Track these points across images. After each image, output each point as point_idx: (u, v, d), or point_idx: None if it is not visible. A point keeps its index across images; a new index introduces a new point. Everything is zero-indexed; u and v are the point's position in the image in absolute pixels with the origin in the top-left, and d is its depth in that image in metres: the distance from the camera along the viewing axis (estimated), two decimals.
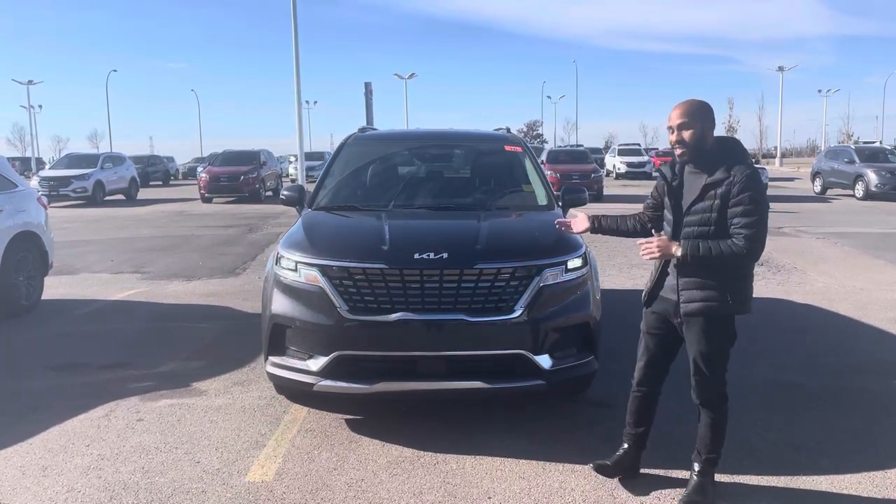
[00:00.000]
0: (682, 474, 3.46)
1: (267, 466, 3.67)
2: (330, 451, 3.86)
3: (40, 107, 66.48)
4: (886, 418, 4.27)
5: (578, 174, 21.22)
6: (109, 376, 5.17)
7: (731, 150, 3.10)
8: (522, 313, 3.84)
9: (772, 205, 18.04)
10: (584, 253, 4.25)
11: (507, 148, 5.85)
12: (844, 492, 3.38)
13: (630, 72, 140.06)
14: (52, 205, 11.24)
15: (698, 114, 3.07)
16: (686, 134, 3.05)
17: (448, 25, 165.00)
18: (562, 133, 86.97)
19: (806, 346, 5.78)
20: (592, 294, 4.20)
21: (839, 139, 61.58)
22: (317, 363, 3.89)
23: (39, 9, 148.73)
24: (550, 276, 3.97)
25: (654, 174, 3.88)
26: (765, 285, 8.36)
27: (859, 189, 21.42)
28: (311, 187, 5.68)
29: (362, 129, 6.38)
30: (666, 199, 3.27)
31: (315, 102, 74.68)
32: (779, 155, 54.78)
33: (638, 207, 3.61)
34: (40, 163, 50.66)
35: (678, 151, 3.12)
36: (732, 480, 3.46)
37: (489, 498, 3.34)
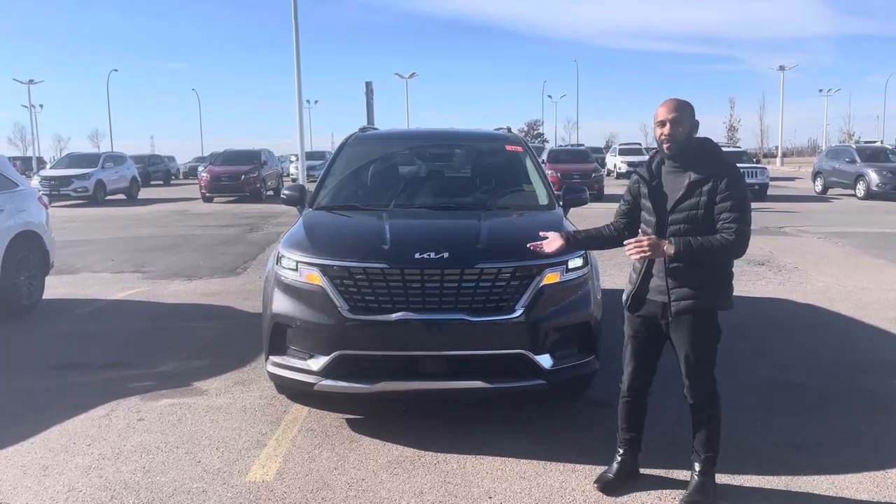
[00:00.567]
0: (682, 474, 3.46)
1: (268, 466, 3.67)
2: (331, 450, 3.86)
3: (41, 106, 66.64)
4: (887, 418, 4.27)
5: (579, 173, 21.23)
6: (110, 376, 5.17)
7: (710, 150, 3.21)
8: (523, 313, 3.84)
9: (773, 204, 17.99)
10: (585, 253, 4.25)
11: (508, 147, 5.85)
12: (845, 492, 3.38)
13: (631, 71, 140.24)
14: (52, 204, 11.25)
15: (688, 111, 3.14)
16: (678, 129, 3.10)
17: (449, 25, 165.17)
18: (562, 132, 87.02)
19: (807, 346, 5.77)
20: (593, 294, 4.20)
21: (840, 139, 61.63)
22: (317, 363, 3.89)
23: (40, 8, 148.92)
24: (551, 276, 3.97)
25: (632, 176, 3.86)
26: (765, 285, 8.36)
27: (860, 189, 21.40)
28: (311, 187, 5.68)
29: (363, 129, 6.38)
30: (645, 201, 3.27)
31: (316, 102, 74.86)
32: (780, 154, 54.72)
33: None
34: (41, 162, 50.69)
35: (667, 145, 3.14)
36: (733, 481, 3.46)
37: (490, 497, 3.34)
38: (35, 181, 22.18)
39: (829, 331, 6.35)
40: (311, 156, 35.55)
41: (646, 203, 3.26)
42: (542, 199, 5.24)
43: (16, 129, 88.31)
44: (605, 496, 3.34)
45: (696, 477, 3.27)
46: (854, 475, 3.53)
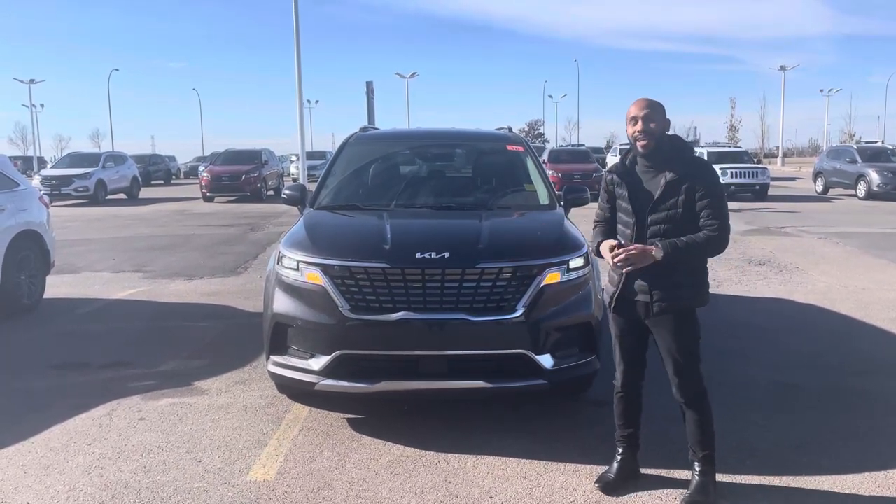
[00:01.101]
0: (682, 474, 3.46)
1: (268, 465, 3.67)
2: (332, 450, 3.86)
3: (42, 106, 66.60)
4: (888, 418, 4.26)
5: (580, 173, 21.24)
6: (111, 375, 5.18)
7: (681, 148, 3.25)
8: (524, 313, 3.84)
9: (773, 204, 17.97)
10: (586, 252, 4.24)
11: (509, 147, 5.85)
12: (846, 492, 3.38)
13: (632, 71, 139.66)
14: (53, 204, 11.25)
15: (659, 109, 3.18)
16: (651, 125, 3.13)
17: (450, 25, 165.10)
18: (563, 132, 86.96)
19: (807, 346, 5.77)
20: (594, 294, 4.20)
21: (841, 139, 61.51)
22: (318, 362, 3.89)
23: (41, 8, 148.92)
24: (552, 276, 3.96)
25: (606, 177, 3.82)
26: (766, 285, 8.36)
27: (861, 189, 21.39)
28: (312, 186, 5.68)
29: (364, 129, 6.38)
30: (622, 202, 3.27)
31: (317, 101, 74.89)
32: (780, 154, 54.68)
33: None
34: (42, 162, 50.65)
35: (642, 142, 3.15)
36: (734, 480, 3.46)
37: (490, 498, 3.34)
38: (36, 181, 22.17)
39: (830, 331, 6.34)
40: (311, 155, 35.54)
41: (623, 204, 3.27)
42: (543, 198, 5.24)
43: (17, 129, 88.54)
44: (605, 496, 3.34)
45: (696, 477, 3.27)
46: (855, 475, 3.53)
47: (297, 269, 4.04)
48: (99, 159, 24.45)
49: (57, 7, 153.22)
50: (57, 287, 8.41)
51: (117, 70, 72.01)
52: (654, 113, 3.14)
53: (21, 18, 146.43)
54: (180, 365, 5.42)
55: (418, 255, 3.88)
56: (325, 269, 3.94)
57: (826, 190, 23.67)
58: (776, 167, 47.03)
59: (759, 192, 21.09)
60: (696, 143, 43.09)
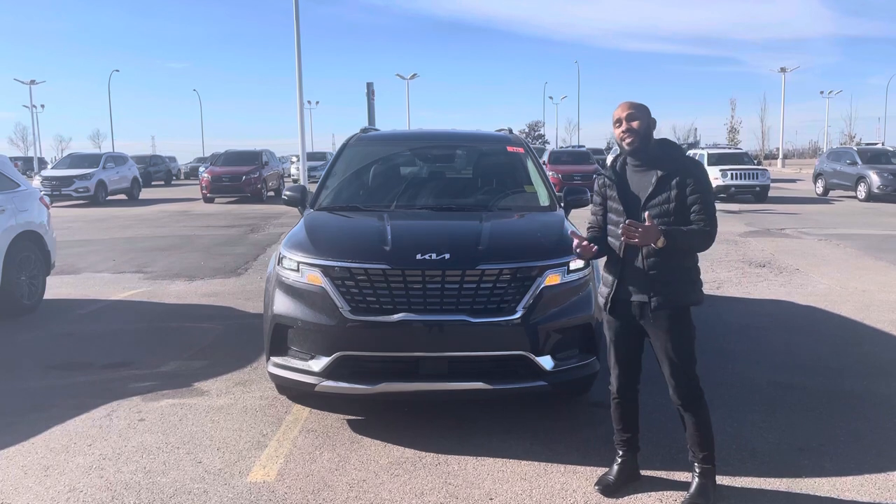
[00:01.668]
0: (682, 476, 3.46)
1: (269, 467, 3.67)
2: (332, 451, 3.86)
3: (42, 106, 66.66)
4: (889, 420, 4.26)
5: (580, 175, 21.30)
6: (111, 376, 5.18)
7: (671, 147, 3.31)
8: (524, 314, 3.84)
9: (774, 206, 17.92)
10: None
11: (509, 149, 5.85)
12: (846, 494, 3.38)
13: (632, 72, 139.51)
14: (54, 204, 11.27)
15: (642, 109, 3.25)
16: (634, 124, 3.19)
17: (450, 26, 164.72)
18: (563, 134, 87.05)
19: (808, 348, 5.77)
20: (594, 295, 4.19)
21: (841, 140, 61.53)
22: (319, 363, 3.89)
23: (42, 8, 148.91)
24: (552, 277, 3.97)
25: (598, 179, 3.85)
26: (767, 287, 8.36)
27: (861, 190, 21.38)
28: (312, 187, 5.68)
29: (364, 130, 6.38)
30: (613, 203, 3.31)
31: (317, 103, 74.99)
32: (781, 156, 54.65)
33: None
34: (42, 162, 50.71)
35: (627, 140, 3.22)
36: (734, 482, 3.46)
37: (491, 499, 3.34)
38: (36, 181, 22.21)
39: (831, 332, 6.34)
40: (312, 156, 35.53)
41: (614, 205, 3.31)
42: (544, 200, 5.24)
43: (17, 130, 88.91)
44: (605, 498, 3.34)
45: (696, 479, 3.27)
46: (856, 477, 3.53)
47: (298, 271, 4.04)
48: (99, 160, 24.44)
49: (58, 7, 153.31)
50: (57, 288, 8.41)
51: (118, 71, 72.38)
52: (636, 112, 3.21)
53: (22, 19, 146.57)
54: (180, 366, 5.42)
55: (419, 257, 3.88)
56: (326, 271, 3.94)
57: (826, 192, 23.67)
58: (776, 169, 47.03)
59: (759, 194, 21.08)
60: (696, 144, 43.15)
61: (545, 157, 24.58)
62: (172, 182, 40.54)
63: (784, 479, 3.50)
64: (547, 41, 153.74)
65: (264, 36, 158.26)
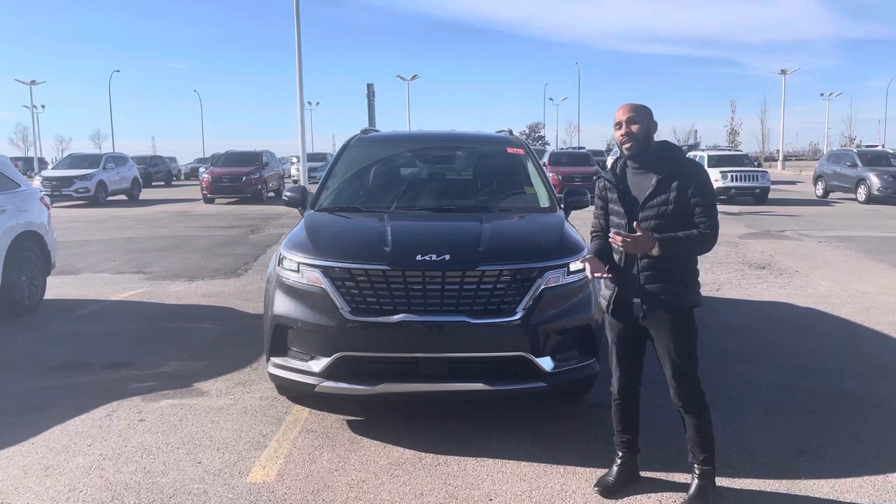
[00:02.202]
0: (682, 477, 3.46)
1: (268, 467, 3.67)
2: (332, 451, 3.86)
3: (43, 107, 66.32)
4: (889, 422, 4.26)
5: (580, 176, 21.29)
6: (111, 376, 5.18)
7: (672, 149, 3.30)
8: (524, 315, 3.85)
9: (774, 208, 17.90)
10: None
11: (510, 150, 5.85)
12: (846, 496, 3.38)
13: (632, 74, 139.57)
14: (54, 205, 11.27)
15: (644, 112, 3.23)
16: (634, 127, 3.18)
17: (450, 27, 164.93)
18: (564, 135, 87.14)
19: (808, 350, 5.77)
20: (594, 296, 4.20)
21: (842, 142, 61.59)
22: (319, 364, 3.89)
23: (42, 8, 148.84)
24: (552, 279, 3.97)
25: (599, 182, 3.86)
26: (767, 289, 8.36)
27: (861, 193, 21.38)
28: (313, 188, 5.68)
29: (365, 131, 6.39)
30: (613, 206, 3.32)
31: (317, 103, 75.09)
32: (781, 158, 54.66)
33: None
34: (43, 163, 50.74)
35: (627, 145, 3.21)
36: (734, 484, 3.46)
37: (490, 500, 3.34)
38: (37, 182, 22.20)
39: (831, 334, 6.34)
40: (312, 157, 35.53)
41: (614, 207, 3.31)
42: (544, 201, 5.25)
43: (17, 130, 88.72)
44: (605, 499, 3.34)
45: (695, 480, 3.27)
46: (855, 479, 3.53)
47: (298, 271, 4.05)
48: (100, 160, 24.45)
49: (58, 8, 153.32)
50: (58, 288, 8.42)
51: (118, 71, 72.39)
52: (636, 116, 3.20)
53: (22, 19, 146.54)
54: (180, 366, 5.42)
55: (419, 258, 3.89)
56: (326, 271, 3.94)
57: (826, 194, 23.67)
58: (777, 171, 47.04)
59: (759, 196, 21.08)
60: (696, 145, 43.11)
61: (545, 159, 24.57)
62: (173, 182, 40.54)
63: (784, 481, 3.50)
64: (547, 42, 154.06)
65: (265, 37, 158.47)
